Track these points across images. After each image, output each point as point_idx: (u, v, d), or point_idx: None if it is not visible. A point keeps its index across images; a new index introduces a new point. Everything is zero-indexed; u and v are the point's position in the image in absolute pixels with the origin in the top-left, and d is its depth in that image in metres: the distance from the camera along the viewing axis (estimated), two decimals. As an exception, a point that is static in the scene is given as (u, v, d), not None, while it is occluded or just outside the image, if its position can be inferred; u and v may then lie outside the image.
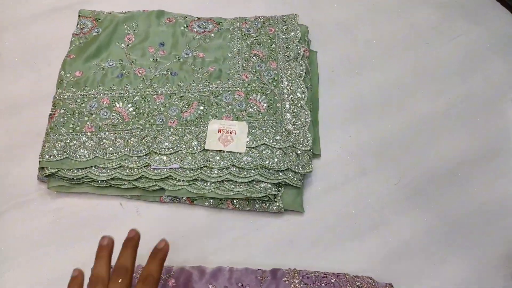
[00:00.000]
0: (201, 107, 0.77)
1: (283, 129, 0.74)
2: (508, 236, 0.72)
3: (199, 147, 0.73)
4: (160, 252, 0.53)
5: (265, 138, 0.73)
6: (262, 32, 0.86)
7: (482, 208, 0.75)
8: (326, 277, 0.65)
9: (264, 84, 0.80)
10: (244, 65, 0.82)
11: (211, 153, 0.72)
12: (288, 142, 0.73)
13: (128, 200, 0.75)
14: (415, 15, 0.95)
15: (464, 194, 0.76)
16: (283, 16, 0.89)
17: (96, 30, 0.85)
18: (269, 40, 0.85)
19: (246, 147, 0.73)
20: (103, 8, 0.89)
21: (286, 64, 0.82)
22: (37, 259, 0.69)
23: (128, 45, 0.84)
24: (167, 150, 0.72)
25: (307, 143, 0.73)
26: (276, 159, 0.72)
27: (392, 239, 0.72)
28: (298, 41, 0.84)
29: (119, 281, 0.48)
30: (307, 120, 0.76)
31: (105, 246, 0.52)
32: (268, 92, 0.79)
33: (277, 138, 0.73)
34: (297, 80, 0.80)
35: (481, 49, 0.91)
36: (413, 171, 0.78)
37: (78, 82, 0.80)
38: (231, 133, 0.74)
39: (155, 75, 0.81)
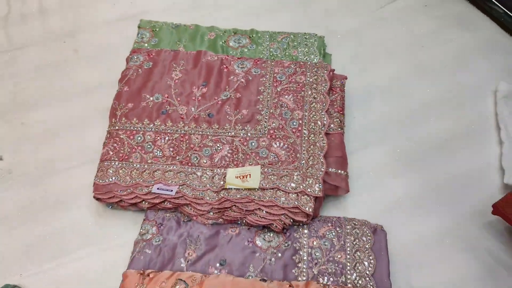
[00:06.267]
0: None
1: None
2: (482, 196, 0.86)
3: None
4: None
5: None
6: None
7: (463, 175, 0.89)
8: (329, 217, 0.82)
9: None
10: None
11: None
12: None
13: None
14: (415, 23, 1.12)
15: (449, 164, 0.91)
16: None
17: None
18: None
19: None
20: (159, 18, 1.09)
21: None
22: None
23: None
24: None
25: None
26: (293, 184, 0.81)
27: (387, 196, 0.87)
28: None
29: None
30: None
31: None
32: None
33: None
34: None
35: (468, 50, 1.07)
36: (408, 146, 0.93)
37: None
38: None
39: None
